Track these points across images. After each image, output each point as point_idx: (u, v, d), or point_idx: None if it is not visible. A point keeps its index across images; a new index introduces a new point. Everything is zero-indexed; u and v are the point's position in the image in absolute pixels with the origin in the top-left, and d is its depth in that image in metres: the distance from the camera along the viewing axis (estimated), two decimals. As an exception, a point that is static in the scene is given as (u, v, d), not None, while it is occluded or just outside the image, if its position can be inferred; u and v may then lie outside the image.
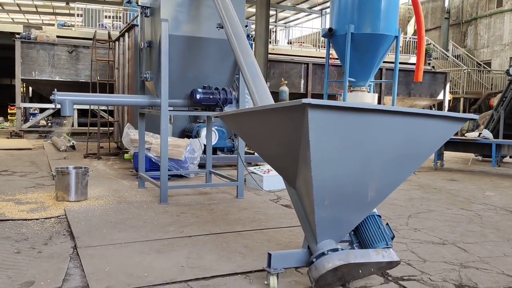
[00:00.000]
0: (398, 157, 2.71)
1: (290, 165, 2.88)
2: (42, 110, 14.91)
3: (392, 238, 3.04)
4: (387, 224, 3.12)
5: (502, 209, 5.49)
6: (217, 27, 5.02)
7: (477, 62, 22.55)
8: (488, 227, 4.60)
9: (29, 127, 14.02)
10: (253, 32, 13.93)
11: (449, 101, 18.61)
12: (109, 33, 11.09)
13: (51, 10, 35.51)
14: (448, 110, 18.76)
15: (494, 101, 16.52)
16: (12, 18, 38.59)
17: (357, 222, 2.92)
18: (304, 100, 2.29)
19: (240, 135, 3.87)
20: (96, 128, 9.90)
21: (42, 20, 37.99)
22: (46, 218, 4.50)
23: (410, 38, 21.90)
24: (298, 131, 2.49)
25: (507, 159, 10.14)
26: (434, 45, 22.81)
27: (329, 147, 2.51)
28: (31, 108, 16.16)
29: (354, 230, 3.04)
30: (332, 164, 2.59)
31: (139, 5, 5.79)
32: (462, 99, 20.60)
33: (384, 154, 2.66)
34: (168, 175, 5.51)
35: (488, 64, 22.39)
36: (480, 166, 9.81)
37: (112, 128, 11.35)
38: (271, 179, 6.28)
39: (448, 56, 22.97)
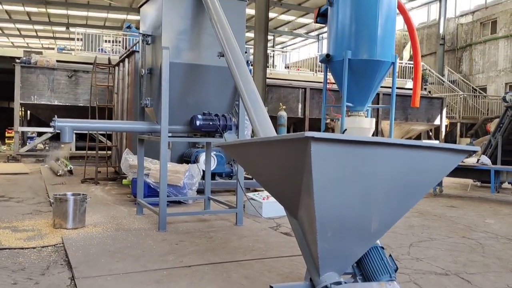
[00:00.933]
0: (400, 189, 2.70)
1: (292, 195, 2.86)
2: (40, 134, 14.89)
3: (396, 270, 3.00)
4: (390, 255, 3.08)
5: (504, 238, 5.46)
6: (218, 56, 5.07)
7: (472, 87, 22.79)
8: (490, 257, 4.56)
9: (26, 151, 13.96)
10: (252, 57, 14.08)
11: (446, 126, 18.73)
12: (109, 59, 11.19)
13: (51, 35, 35.90)
14: (445, 135, 18.86)
15: (491, 126, 16.64)
16: (12, 42, 38.98)
17: (360, 254, 2.89)
18: (307, 133, 2.29)
19: (242, 164, 3.86)
20: (94, 151, 9.88)
21: (42, 44, 38.37)
22: (43, 247, 4.44)
23: (406, 63, 22.17)
24: (300, 163, 2.48)
25: (505, 185, 10.13)
26: (430, 71, 23.09)
27: (332, 179, 2.50)
28: (28, 131, 16.14)
29: (357, 262, 3.01)
30: (335, 196, 2.57)
31: (141, 33, 5.85)
32: (458, 124, 20.73)
33: (386, 186, 2.66)
34: (167, 201, 5.47)
35: (484, 89, 22.63)
36: (479, 192, 9.79)
37: (110, 152, 11.32)
38: (270, 205, 6.24)
39: (444, 82, 23.21)
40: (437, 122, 17.79)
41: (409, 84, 19.81)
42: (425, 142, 2.60)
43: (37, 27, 33.48)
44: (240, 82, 4.27)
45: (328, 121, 14.75)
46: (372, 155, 2.51)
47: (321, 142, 2.34)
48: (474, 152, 2.61)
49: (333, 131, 13.58)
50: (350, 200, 2.63)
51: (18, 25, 33.28)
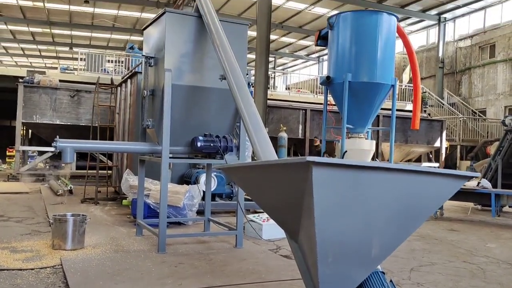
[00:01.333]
0: (401, 214, 2.71)
1: (292, 219, 2.86)
2: (40, 153, 14.91)
3: (396, 296, 2.98)
4: (390, 280, 3.07)
5: (505, 263, 5.42)
6: (220, 79, 5.13)
7: (472, 110, 22.90)
8: (491, 282, 4.52)
9: (26, 170, 13.96)
10: (253, 78, 14.22)
11: (446, 148, 18.76)
12: (111, 79, 11.29)
13: (54, 54, 36.30)
14: (445, 158, 18.87)
15: (491, 149, 16.66)
16: (15, 61, 39.36)
17: (361, 279, 2.87)
18: (308, 158, 2.31)
19: (242, 187, 3.87)
20: (95, 171, 9.88)
21: (45, 63, 38.77)
22: (41, 268, 4.41)
23: (405, 86, 22.35)
24: (302, 187, 2.49)
25: (506, 208, 10.08)
26: (429, 93, 23.25)
27: (333, 204, 2.51)
28: (29, 151, 16.17)
29: (358, 287, 2.99)
30: (336, 220, 2.58)
31: (144, 55, 5.93)
32: (459, 147, 20.76)
33: (388, 210, 2.66)
34: (167, 223, 5.46)
35: (483, 112, 22.74)
36: (480, 215, 9.75)
37: (111, 172, 11.32)
38: (270, 227, 6.21)
39: (443, 104, 23.35)
40: (437, 144, 17.82)
41: (409, 106, 19.93)
42: (426, 167, 2.62)
43: (40, 46, 33.90)
44: (241, 105, 4.31)
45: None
46: (373, 180, 2.52)
47: (323, 167, 2.36)
48: (475, 176, 2.63)
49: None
50: (351, 224, 2.63)
51: (22, 45, 33.71)
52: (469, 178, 2.74)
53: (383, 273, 3.01)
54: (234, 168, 3.26)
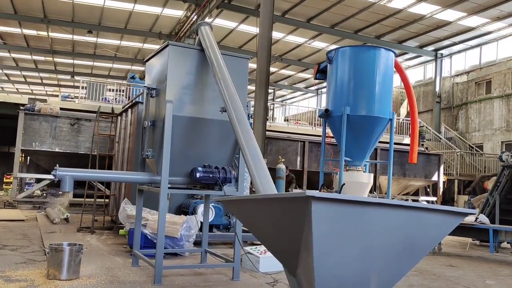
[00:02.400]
0: (399, 250, 2.72)
1: (291, 253, 2.86)
2: (38, 180, 14.87)
3: (395, 333, 2.95)
4: (389, 317, 3.04)
5: (504, 300, 5.36)
6: (221, 111, 5.21)
7: (469, 145, 23.05)
8: (491, 320, 4.47)
9: (23, 197, 13.89)
10: (252, 109, 14.36)
11: (444, 182, 18.77)
12: (112, 108, 11.41)
13: (55, 82, 36.68)
14: (443, 192, 18.86)
15: (488, 184, 16.69)
16: (17, 88, 39.71)
17: (359, 315, 2.85)
18: (308, 193, 2.34)
19: (241, 220, 3.88)
20: (92, 199, 9.83)
21: (46, 91, 39.12)
22: (35, 298, 4.35)
23: (403, 120, 22.56)
24: (300, 221, 2.51)
25: (504, 244, 10.04)
26: (427, 127, 23.44)
27: (332, 239, 2.52)
28: (27, 178, 16.12)
29: (356, 323, 2.96)
30: (334, 255, 2.59)
31: (146, 86, 6.02)
32: (456, 181, 20.78)
33: (386, 246, 2.67)
34: (163, 253, 5.41)
35: (480, 147, 22.87)
36: (478, 251, 9.68)
37: (108, 200, 11.28)
38: (267, 260, 6.15)
39: (440, 138, 23.50)
40: (434, 178, 17.86)
41: (407, 140, 20.06)
42: (424, 204, 2.65)
43: (42, 74, 34.29)
44: (242, 138, 4.36)
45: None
46: (372, 216, 2.55)
47: (322, 202, 2.39)
48: (472, 214, 2.66)
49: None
50: (350, 259, 2.64)
51: (24, 73, 34.11)
52: (466, 214, 2.77)
53: (382, 309, 2.99)
54: (233, 201, 3.28)
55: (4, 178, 19.29)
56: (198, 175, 5.66)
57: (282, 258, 3.14)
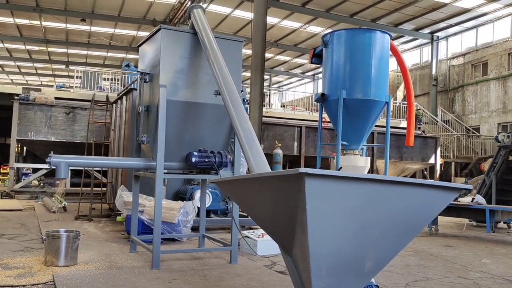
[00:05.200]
0: (394, 227, 2.72)
1: (286, 232, 2.86)
2: (35, 170, 14.84)
3: (391, 310, 2.96)
4: (385, 294, 3.05)
5: (500, 278, 5.40)
6: (215, 94, 5.17)
7: (466, 127, 23.08)
8: (487, 297, 4.50)
9: (20, 187, 13.87)
10: (248, 95, 14.31)
11: (441, 165, 18.82)
12: (107, 96, 11.33)
13: (50, 72, 36.41)
14: (440, 174, 18.92)
15: (485, 166, 16.74)
16: (11, 79, 39.41)
17: (355, 292, 2.86)
18: (301, 169, 2.32)
19: (236, 201, 3.87)
20: (89, 188, 9.82)
21: (41, 81, 38.85)
22: (33, 285, 4.36)
23: (400, 103, 22.53)
24: (295, 199, 2.50)
25: (501, 224, 10.10)
26: (423, 111, 23.43)
27: (326, 216, 2.51)
28: (23, 168, 16.08)
29: (352, 300, 2.97)
30: (330, 233, 2.58)
31: (139, 71, 5.97)
32: (453, 163, 20.85)
33: (381, 223, 2.67)
34: (161, 239, 5.42)
35: (477, 129, 22.91)
36: (475, 231, 9.75)
37: (105, 189, 11.27)
38: (265, 243, 6.18)
39: (437, 121, 23.52)
40: (431, 161, 17.90)
41: (404, 123, 20.07)
42: (420, 180, 2.64)
43: (37, 64, 34.03)
44: (236, 120, 4.34)
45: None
46: (366, 192, 2.54)
47: (315, 178, 2.37)
48: (468, 190, 2.65)
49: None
50: (345, 236, 2.63)
51: (19, 63, 33.84)
52: (461, 190, 2.76)
53: (377, 286, 3.00)
54: (228, 181, 3.27)
55: (1, 169, 19.25)
56: (193, 159, 5.64)
57: (278, 238, 3.13)
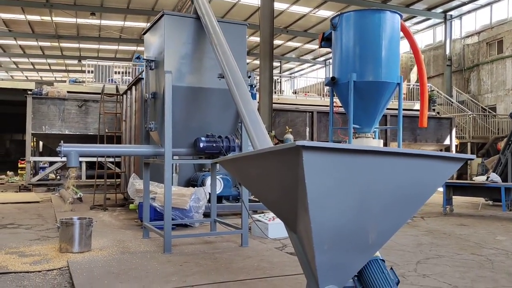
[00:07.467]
0: (396, 199, 2.69)
1: (289, 209, 2.86)
2: (51, 163, 15.08)
3: (397, 283, 2.96)
4: (391, 268, 3.04)
5: (514, 253, 5.35)
6: (218, 77, 5.16)
7: (482, 107, 22.67)
8: (499, 272, 4.46)
9: (37, 180, 14.12)
10: (256, 82, 14.27)
11: (456, 146, 18.56)
12: (117, 87, 11.41)
13: (63, 68, 36.79)
14: (456, 155, 18.65)
15: (501, 145, 16.45)
16: (26, 76, 39.93)
17: (359, 266, 2.86)
18: (298, 142, 2.31)
19: (240, 180, 3.88)
20: (104, 180, 9.96)
21: (55, 77, 39.27)
22: (48, 270, 4.46)
23: (413, 85, 22.21)
24: (294, 174, 2.49)
25: (518, 202, 9.95)
26: (438, 92, 23.06)
27: (326, 190, 2.50)
28: (40, 162, 16.36)
29: (358, 275, 2.97)
30: (331, 207, 2.57)
31: (144, 59, 5.99)
32: (469, 144, 20.53)
33: (383, 195, 2.65)
34: (173, 224, 5.49)
35: (493, 109, 22.49)
36: (491, 210, 9.63)
37: (119, 180, 11.42)
38: (276, 226, 6.20)
39: (452, 102, 23.14)
40: (447, 142, 17.66)
41: (417, 105, 19.76)
42: (421, 151, 2.60)
43: (50, 60, 34.41)
44: (240, 102, 4.33)
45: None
46: (366, 164, 2.51)
47: (313, 151, 2.36)
48: (470, 159, 2.61)
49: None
50: (347, 210, 2.62)
51: (32, 59, 34.26)
52: (463, 160, 2.72)
53: (383, 260, 2.99)
54: (230, 160, 3.27)
55: (19, 164, 19.61)
56: (201, 145, 5.67)
57: (283, 216, 3.13)
